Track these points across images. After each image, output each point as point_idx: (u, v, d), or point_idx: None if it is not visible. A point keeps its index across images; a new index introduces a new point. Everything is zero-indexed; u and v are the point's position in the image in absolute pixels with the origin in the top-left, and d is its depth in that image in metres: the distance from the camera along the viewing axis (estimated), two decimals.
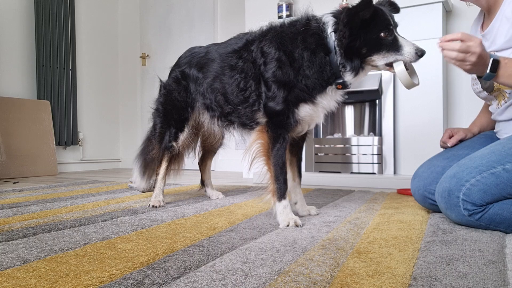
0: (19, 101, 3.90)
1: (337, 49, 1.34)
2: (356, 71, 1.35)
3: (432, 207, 1.59)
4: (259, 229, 1.33)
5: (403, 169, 2.79)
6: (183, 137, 1.83)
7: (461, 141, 1.68)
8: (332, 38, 1.36)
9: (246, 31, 3.45)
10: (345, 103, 3.20)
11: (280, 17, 3.29)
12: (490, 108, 1.60)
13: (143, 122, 5.03)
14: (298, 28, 1.42)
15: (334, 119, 3.29)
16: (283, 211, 1.40)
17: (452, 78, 2.86)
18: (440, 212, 1.51)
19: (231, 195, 2.21)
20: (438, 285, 0.80)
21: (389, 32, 1.30)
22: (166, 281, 0.83)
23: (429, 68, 2.68)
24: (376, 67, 1.37)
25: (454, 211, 1.32)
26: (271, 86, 1.40)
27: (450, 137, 1.70)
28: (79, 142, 4.58)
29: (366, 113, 3.17)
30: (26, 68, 4.10)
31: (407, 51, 1.30)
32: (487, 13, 1.53)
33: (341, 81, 1.38)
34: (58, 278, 0.85)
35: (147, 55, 4.96)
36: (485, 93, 1.55)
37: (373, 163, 2.84)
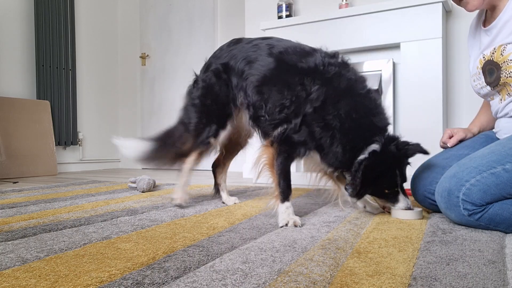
0: (19, 101, 3.90)
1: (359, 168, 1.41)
2: (354, 196, 1.47)
3: (432, 207, 1.59)
4: (259, 229, 1.33)
5: None
6: (224, 134, 1.72)
7: (461, 141, 1.68)
8: (364, 154, 1.42)
9: (246, 32, 3.40)
10: None
11: (280, 17, 3.29)
12: (492, 104, 1.60)
13: (143, 122, 5.03)
14: (365, 112, 1.43)
15: None
16: (285, 211, 1.42)
17: (452, 78, 2.86)
18: (440, 212, 1.51)
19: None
20: (438, 285, 0.80)
21: (392, 190, 1.48)
22: (166, 281, 0.83)
23: (429, 68, 2.68)
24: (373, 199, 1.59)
25: (454, 211, 1.32)
26: (306, 122, 1.43)
27: (450, 137, 1.70)
28: (79, 142, 4.58)
29: None
30: (26, 68, 4.10)
31: (400, 206, 1.49)
32: (491, 10, 1.54)
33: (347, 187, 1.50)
34: (57, 278, 0.85)
35: (147, 55, 4.96)
36: (488, 88, 1.54)
37: None
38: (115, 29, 5.14)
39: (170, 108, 4.79)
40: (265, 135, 1.57)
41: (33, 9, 4.08)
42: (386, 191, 1.48)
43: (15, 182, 3.20)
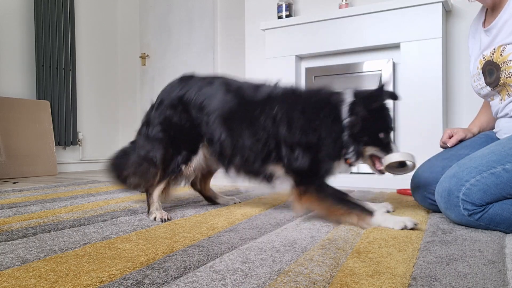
0: (19, 101, 3.90)
1: (347, 128, 1.44)
2: (357, 155, 1.47)
3: (432, 207, 1.59)
4: (258, 229, 1.33)
5: None
6: (197, 159, 1.62)
7: (461, 141, 1.68)
8: (345, 115, 1.45)
9: (246, 32, 3.41)
10: None
11: (280, 17, 3.29)
12: (492, 104, 1.60)
13: None
14: (321, 98, 1.52)
15: None
16: (386, 219, 1.34)
17: (452, 78, 2.86)
18: (439, 212, 1.51)
19: (231, 195, 2.21)
20: (438, 285, 0.80)
21: (387, 135, 1.48)
22: (166, 281, 0.83)
23: (429, 68, 2.68)
24: (364, 157, 1.51)
25: (453, 211, 1.32)
26: (295, 149, 1.45)
27: (449, 137, 1.70)
28: (79, 142, 4.57)
29: None
30: (26, 68, 4.10)
31: (394, 154, 1.45)
32: (491, 9, 1.54)
33: (350, 156, 1.48)
34: (57, 278, 0.85)
35: (147, 55, 4.96)
36: (488, 89, 1.55)
37: None
38: (115, 29, 5.14)
39: None
40: (248, 172, 1.56)
41: (33, 9, 4.07)
42: (381, 135, 1.46)
43: (15, 182, 3.20)
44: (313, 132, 1.46)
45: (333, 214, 1.40)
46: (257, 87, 1.60)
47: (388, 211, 1.62)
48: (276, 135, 1.48)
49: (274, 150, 1.49)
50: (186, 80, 1.70)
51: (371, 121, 1.44)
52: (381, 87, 1.48)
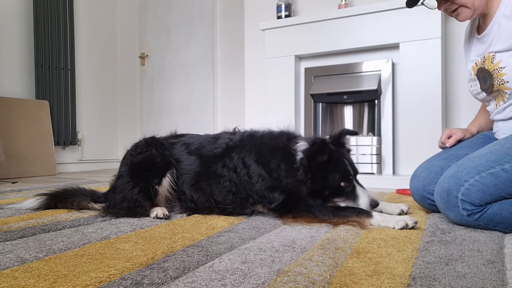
0: (18, 101, 3.89)
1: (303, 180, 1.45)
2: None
3: (431, 207, 1.59)
4: (258, 229, 1.33)
5: (402, 169, 2.79)
6: (167, 181, 1.62)
7: (459, 141, 1.69)
8: (298, 163, 1.46)
9: (245, 32, 3.41)
10: (344, 103, 3.21)
11: (279, 17, 3.29)
12: (488, 109, 1.61)
13: (142, 122, 5.02)
14: (279, 144, 1.55)
15: (333, 119, 3.29)
16: (384, 219, 1.35)
17: (451, 78, 2.86)
18: (439, 212, 1.51)
19: None
20: (437, 285, 0.80)
21: (349, 182, 1.45)
22: (165, 281, 0.83)
23: (428, 68, 2.69)
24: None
25: (453, 211, 1.32)
26: (263, 193, 1.52)
27: (448, 138, 1.70)
28: (78, 142, 4.57)
29: (365, 113, 3.17)
30: (25, 68, 4.09)
31: (363, 202, 1.45)
32: (482, 18, 1.54)
33: None
34: (56, 278, 0.85)
35: (146, 55, 4.95)
36: (484, 94, 1.55)
37: (372, 163, 2.84)
38: (114, 29, 5.14)
39: (169, 108, 4.79)
40: (232, 213, 1.59)
41: (32, 9, 4.07)
42: (343, 184, 1.44)
43: (14, 182, 3.19)
44: (274, 176, 1.50)
45: (324, 222, 1.40)
46: (215, 139, 1.70)
47: (403, 211, 1.55)
48: (243, 183, 1.55)
49: (250, 196, 1.56)
50: (150, 141, 1.73)
51: (324, 172, 1.42)
52: (344, 129, 1.52)
